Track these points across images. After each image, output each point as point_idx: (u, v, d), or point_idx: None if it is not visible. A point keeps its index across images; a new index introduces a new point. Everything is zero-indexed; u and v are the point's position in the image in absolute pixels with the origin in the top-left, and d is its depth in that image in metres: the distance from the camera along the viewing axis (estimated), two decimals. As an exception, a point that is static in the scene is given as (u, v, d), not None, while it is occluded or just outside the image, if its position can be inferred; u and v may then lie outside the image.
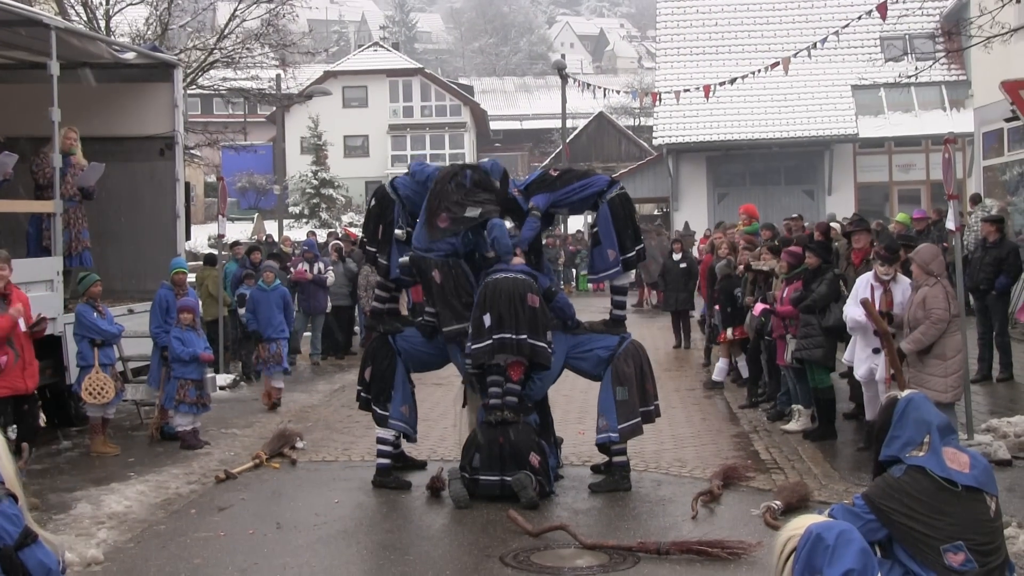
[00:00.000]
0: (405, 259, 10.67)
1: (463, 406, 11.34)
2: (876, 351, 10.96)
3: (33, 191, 13.33)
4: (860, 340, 11.20)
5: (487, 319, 10.02)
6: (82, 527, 9.24)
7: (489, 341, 9.98)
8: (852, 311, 11.09)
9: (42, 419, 11.00)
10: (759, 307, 13.49)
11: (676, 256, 20.70)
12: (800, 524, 5.06)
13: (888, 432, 5.41)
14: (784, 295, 12.57)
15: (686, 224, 34.66)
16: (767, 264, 13.49)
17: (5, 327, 9.93)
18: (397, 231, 10.76)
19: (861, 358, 11.24)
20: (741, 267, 14.59)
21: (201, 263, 19.40)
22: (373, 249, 11.08)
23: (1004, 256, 14.81)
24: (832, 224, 17.62)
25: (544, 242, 11.13)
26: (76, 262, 13.50)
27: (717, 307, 16.27)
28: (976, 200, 20.21)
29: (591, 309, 14.94)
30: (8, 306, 10.14)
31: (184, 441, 12.57)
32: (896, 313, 10.68)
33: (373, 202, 11.14)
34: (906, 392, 5.61)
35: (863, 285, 11.11)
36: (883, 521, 5.15)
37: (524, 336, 9.97)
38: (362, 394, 10.94)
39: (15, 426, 10.19)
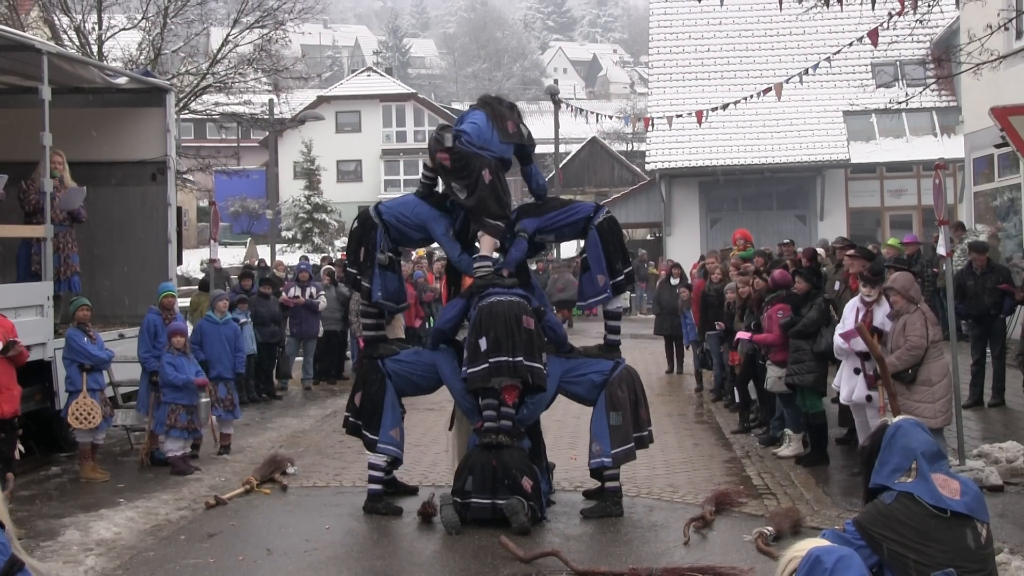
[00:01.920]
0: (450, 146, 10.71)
1: (450, 428, 11.33)
2: (857, 371, 11.05)
3: (22, 217, 13.32)
4: (844, 363, 11.29)
5: (483, 343, 10.03)
6: (70, 554, 9.20)
7: (485, 365, 9.99)
8: (837, 336, 11.21)
9: (19, 451, 10.88)
10: (740, 334, 13.57)
11: (674, 281, 20.66)
12: (803, 547, 5.07)
13: (877, 458, 5.42)
14: (765, 321, 12.71)
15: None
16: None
17: None
18: (379, 255, 10.76)
19: (844, 381, 11.34)
20: (739, 286, 14.59)
21: (197, 288, 19.38)
22: (354, 271, 11.05)
23: (1006, 279, 14.86)
24: (819, 250, 17.70)
25: (535, 267, 11.22)
26: (65, 287, 13.50)
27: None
28: (961, 228, 20.28)
29: (585, 335, 14.97)
30: None
31: (174, 466, 12.53)
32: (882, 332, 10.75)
33: (356, 224, 11.11)
34: (897, 419, 5.61)
35: (849, 309, 11.27)
36: (874, 548, 5.15)
37: (520, 358, 9.99)
38: (350, 419, 10.89)
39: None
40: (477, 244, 11.11)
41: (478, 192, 10.44)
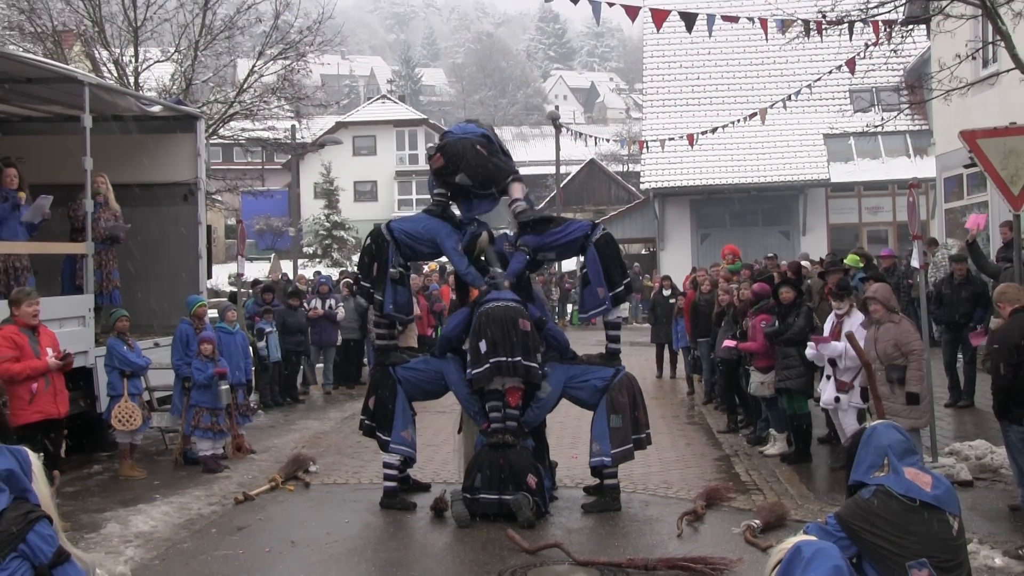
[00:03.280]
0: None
1: (459, 432, 11.34)
2: (828, 377, 11.14)
3: (69, 234, 13.38)
4: (824, 370, 11.36)
5: (483, 345, 10.06)
6: (111, 545, 9.24)
7: (487, 365, 10.02)
8: (809, 345, 11.31)
9: (63, 449, 10.91)
10: (726, 343, 13.61)
11: (665, 292, 20.72)
12: (792, 541, 5.10)
13: (855, 458, 5.46)
14: (750, 330, 12.74)
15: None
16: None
17: (39, 368, 10.01)
18: (392, 270, 10.79)
19: (823, 386, 11.41)
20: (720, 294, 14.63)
21: (226, 299, 19.39)
22: (368, 285, 11.02)
23: (980, 291, 14.91)
24: (804, 263, 17.72)
25: (537, 279, 11.29)
26: (106, 300, 13.57)
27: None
28: (933, 243, 20.31)
29: (584, 342, 15.04)
30: (38, 338, 10.22)
31: (205, 465, 12.57)
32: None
33: (368, 241, 11.10)
34: (874, 422, 5.66)
35: (827, 321, 11.36)
36: (853, 539, 5.18)
37: (519, 358, 10.01)
38: (365, 422, 10.91)
39: (41, 453, 10.17)
40: (483, 259, 11.16)
41: (477, 167, 10.61)
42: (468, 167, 10.64)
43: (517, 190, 10.87)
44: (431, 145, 11.15)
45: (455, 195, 11.11)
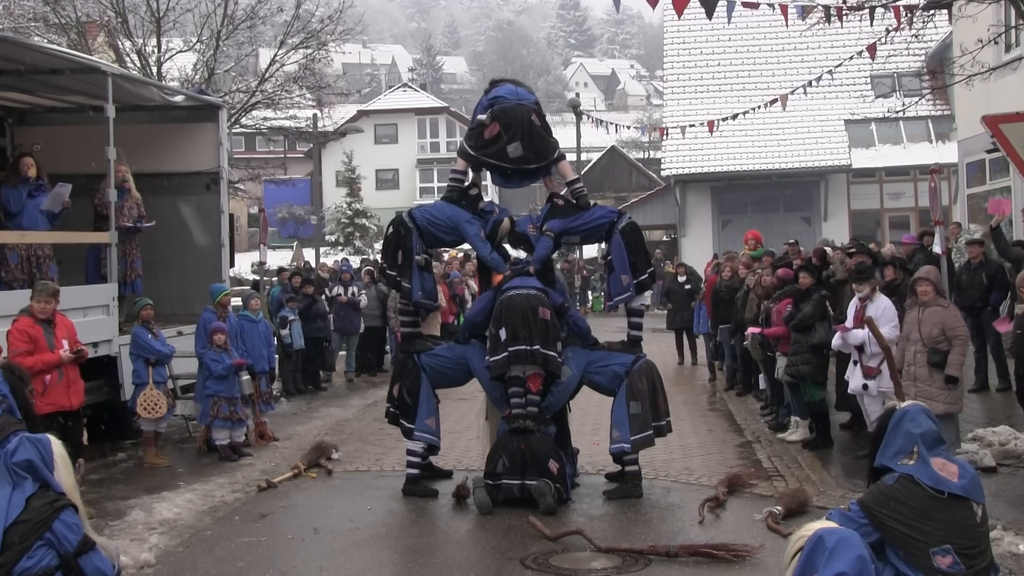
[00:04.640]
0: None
1: (485, 419, 11.33)
2: (855, 363, 11.01)
3: (93, 223, 13.41)
4: (852, 357, 11.27)
5: (503, 333, 10.06)
6: (135, 532, 9.29)
7: (505, 353, 10.02)
8: (836, 337, 11.21)
9: (85, 437, 10.92)
10: (751, 329, 13.53)
11: (681, 279, 20.65)
12: (811, 528, 5.06)
13: (882, 441, 5.40)
14: (774, 314, 12.66)
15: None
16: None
17: (51, 362, 9.98)
18: (417, 258, 10.74)
19: (850, 373, 11.32)
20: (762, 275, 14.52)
21: (250, 288, 19.44)
22: (394, 273, 10.93)
23: (994, 273, 14.79)
24: (828, 248, 17.61)
25: (560, 267, 11.25)
26: (129, 289, 13.60)
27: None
28: (957, 227, 20.16)
29: (605, 328, 14.92)
30: (54, 330, 10.18)
31: (221, 453, 12.58)
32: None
33: (391, 230, 11.01)
34: (905, 403, 5.59)
35: (850, 308, 11.27)
36: (876, 525, 5.14)
37: (537, 346, 9.99)
38: (390, 409, 10.92)
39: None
40: (505, 245, 11.15)
41: (532, 138, 10.48)
42: (526, 138, 10.49)
43: (569, 170, 10.87)
44: (482, 116, 10.74)
45: (489, 169, 11.02)
